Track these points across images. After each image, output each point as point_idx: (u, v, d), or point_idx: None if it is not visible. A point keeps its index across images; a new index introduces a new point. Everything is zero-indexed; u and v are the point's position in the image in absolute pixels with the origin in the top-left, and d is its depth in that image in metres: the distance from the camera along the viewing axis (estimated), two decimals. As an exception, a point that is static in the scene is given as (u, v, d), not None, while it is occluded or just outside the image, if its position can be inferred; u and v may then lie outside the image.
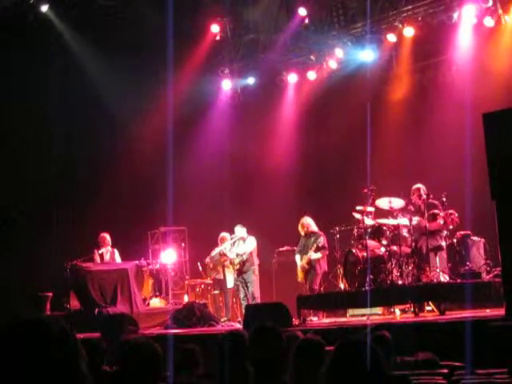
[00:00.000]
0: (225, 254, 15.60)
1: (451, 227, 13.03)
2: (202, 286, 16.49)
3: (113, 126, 18.34)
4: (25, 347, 2.32)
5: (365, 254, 13.24)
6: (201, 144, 18.32)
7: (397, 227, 13.16)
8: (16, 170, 18.01)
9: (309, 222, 14.59)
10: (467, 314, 10.77)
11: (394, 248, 13.08)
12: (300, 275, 14.54)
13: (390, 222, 13.34)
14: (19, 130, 18.17)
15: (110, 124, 18.32)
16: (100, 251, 16.28)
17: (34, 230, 17.70)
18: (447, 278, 12.51)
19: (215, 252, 15.88)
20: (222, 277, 15.97)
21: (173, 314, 14.85)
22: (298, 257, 14.60)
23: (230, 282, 15.94)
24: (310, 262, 14.29)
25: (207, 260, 16.31)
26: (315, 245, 14.19)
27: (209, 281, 16.64)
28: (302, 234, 14.63)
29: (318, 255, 14.24)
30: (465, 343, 7.56)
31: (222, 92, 18.85)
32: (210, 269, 16.29)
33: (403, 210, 13.29)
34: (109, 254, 16.33)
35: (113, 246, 16.38)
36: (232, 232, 15.48)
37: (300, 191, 17.48)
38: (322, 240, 14.28)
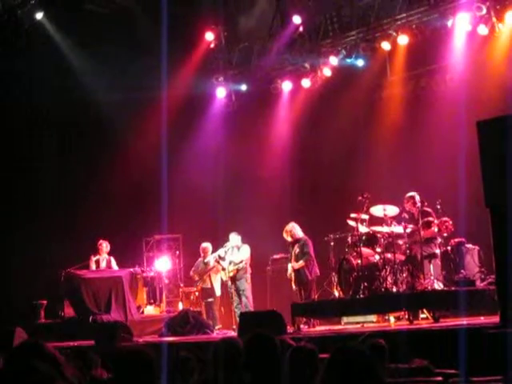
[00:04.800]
0: (218, 262, 15.59)
1: (445, 235, 13.05)
2: (197, 294, 16.48)
3: (107, 134, 18.32)
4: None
5: (359, 261, 13.25)
6: (195, 152, 18.30)
7: (391, 235, 13.18)
8: (13, 176, 18.04)
9: (291, 229, 14.58)
10: (462, 321, 10.77)
11: (389, 255, 13.09)
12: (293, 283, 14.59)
13: (385, 229, 13.35)
14: (15, 135, 18.21)
15: (105, 131, 18.31)
16: (96, 258, 16.28)
17: (29, 237, 17.66)
18: (441, 285, 12.52)
19: (207, 259, 15.92)
20: (209, 285, 15.96)
21: (167, 322, 14.84)
22: (290, 266, 14.63)
23: (218, 291, 15.95)
24: (298, 270, 14.33)
25: (191, 273, 16.35)
26: (301, 250, 14.27)
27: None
28: (289, 240, 14.65)
29: (301, 263, 14.29)
30: (459, 351, 7.56)
31: (216, 100, 18.85)
32: (196, 280, 16.28)
33: (397, 218, 13.31)
34: (105, 261, 16.34)
35: (110, 254, 16.38)
36: (227, 240, 15.48)
37: (294, 198, 17.49)
38: (307, 246, 14.32)
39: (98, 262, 16.33)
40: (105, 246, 16.33)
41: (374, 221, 13.69)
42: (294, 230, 14.56)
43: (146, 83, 16.78)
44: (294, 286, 14.57)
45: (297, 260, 14.40)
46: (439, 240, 13.04)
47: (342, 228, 14.10)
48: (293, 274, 14.48)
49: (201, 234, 16.88)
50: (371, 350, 6.26)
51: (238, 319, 14.22)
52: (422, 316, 12.54)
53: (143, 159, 17.84)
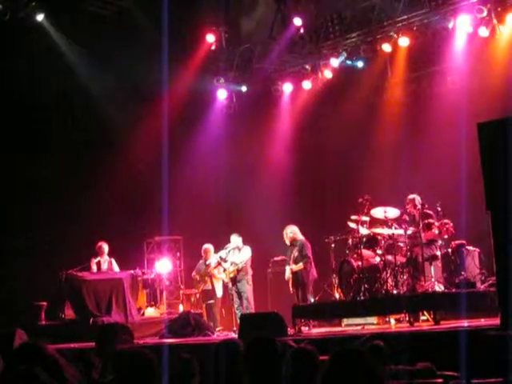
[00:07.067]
0: (219, 263, 15.58)
1: (446, 237, 13.06)
2: (197, 296, 16.48)
3: (108, 135, 18.31)
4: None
5: (360, 263, 13.25)
6: (196, 153, 18.30)
7: (392, 237, 13.18)
8: (15, 178, 18.04)
9: (287, 232, 14.59)
10: (462, 323, 10.77)
11: (389, 257, 13.10)
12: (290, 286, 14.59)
13: (385, 231, 13.35)
14: (15, 135, 18.21)
15: (106, 133, 18.30)
16: (96, 260, 16.28)
17: (30, 239, 17.65)
18: (442, 287, 12.52)
19: (208, 261, 15.91)
20: (210, 287, 15.96)
21: (168, 324, 14.82)
22: (287, 268, 14.61)
23: (219, 292, 15.94)
24: (296, 273, 14.33)
25: (193, 273, 16.34)
26: (300, 253, 14.25)
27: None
28: (287, 243, 14.65)
29: (300, 266, 14.27)
30: (460, 353, 7.56)
31: (217, 101, 18.84)
32: (197, 281, 16.28)
33: (398, 220, 13.31)
34: (106, 263, 16.35)
35: (110, 256, 16.39)
36: (228, 242, 15.47)
37: (295, 200, 17.48)
38: (305, 248, 14.30)
39: (98, 264, 16.33)
40: (105, 247, 16.34)
41: (375, 223, 13.70)
42: (294, 233, 14.56)
43: (147, 85, 16.79)
44: (291, 289, 14.56)
45: (296, 263, 14.40)
46: (440, 242, 13.05)
47: (342, 230, 14.10)
48: (291, 277, 14.47)
49: (202, 235, 16.86)
50: (371, 352, 6.26)
51: (238, 321, 14.23)
52: (422, 318, 12.55)
53: (144, 161, 17.84)
